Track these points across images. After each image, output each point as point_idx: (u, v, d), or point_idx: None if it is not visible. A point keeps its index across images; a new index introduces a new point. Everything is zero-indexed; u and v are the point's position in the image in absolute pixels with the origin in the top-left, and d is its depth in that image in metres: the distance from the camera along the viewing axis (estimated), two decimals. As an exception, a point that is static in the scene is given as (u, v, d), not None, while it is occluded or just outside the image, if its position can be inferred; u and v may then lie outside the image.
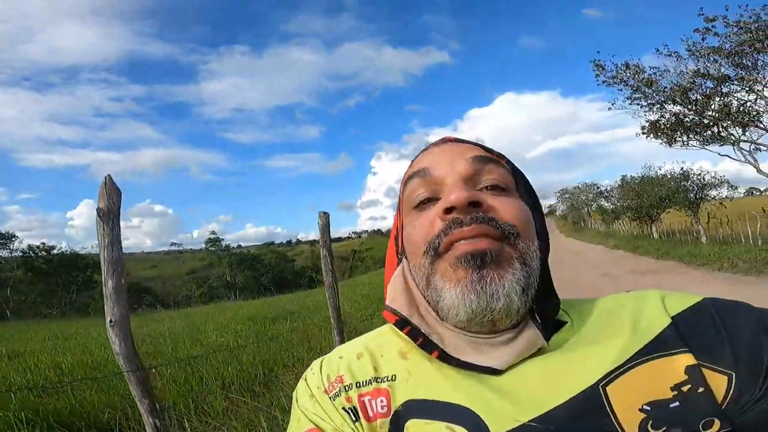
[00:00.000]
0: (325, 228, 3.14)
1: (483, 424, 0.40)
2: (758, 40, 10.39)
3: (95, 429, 2.55)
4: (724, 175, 18.51)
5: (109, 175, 1.59)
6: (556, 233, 59.02)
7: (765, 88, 11.38)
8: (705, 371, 0.40)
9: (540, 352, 0.44)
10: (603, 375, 0.40)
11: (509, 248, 0.43)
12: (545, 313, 0.46)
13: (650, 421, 0.37)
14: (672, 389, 0.38)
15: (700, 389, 0.39)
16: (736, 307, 0.45)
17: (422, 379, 0.46)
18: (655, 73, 13.45)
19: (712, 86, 12.40)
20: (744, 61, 11.20)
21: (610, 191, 35.74)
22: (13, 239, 35.04)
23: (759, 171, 12.68)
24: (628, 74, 13.79)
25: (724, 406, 0.38)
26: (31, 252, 34.36)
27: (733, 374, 0.39)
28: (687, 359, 0.40)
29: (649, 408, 0.38)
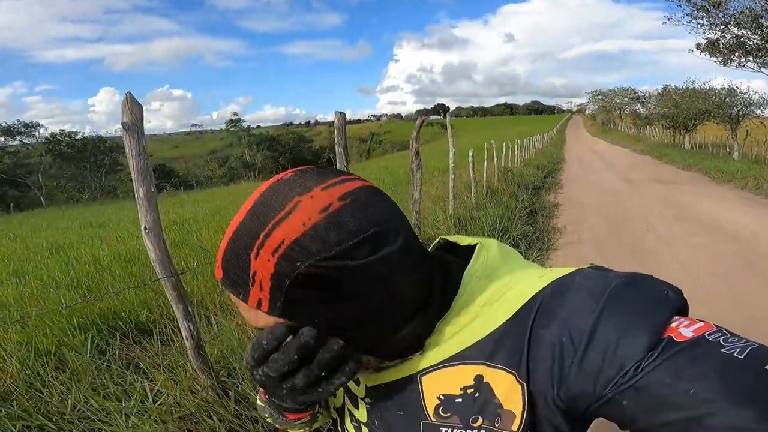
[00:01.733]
0: (341, 127, 3.21)
1: (352, 392, 0.61)
2: None
3: (136, 329, 2.86)
4: (771, 97, 17.52)
5: (129, 92, 1.67)
6: (583, 132, 57.28)
7: None
8: (500, 376, 0.47)
9: None
10: (425, 368, 0.52)
11: None
12: (407, 350, 0.52)
13: (441, 407, 0.51)
14: (460, 389, 0.49)
15: (476, 394, 0.48)
16: (558, 303, 0.45)
17: None
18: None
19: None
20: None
21: (648, 98, 34.11)
22: (38, 128, 35.72)
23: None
24: None
25: (510, 407, 0.47)
26: (55, 139, 34.99)
27: (525, 384, 0.46)
28: (480, 369, 0.49)
29: (442, 398, 0.51)
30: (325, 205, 0.40)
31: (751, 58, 13.62)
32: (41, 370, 2.30)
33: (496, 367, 0.48)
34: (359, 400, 0.60)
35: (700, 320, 0.42)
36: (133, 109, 1.62)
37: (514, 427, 0.47)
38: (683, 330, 0.40)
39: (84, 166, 34.69)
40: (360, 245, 0.40)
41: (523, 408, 0.46)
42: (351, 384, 0.61)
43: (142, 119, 1.67)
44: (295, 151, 53.03)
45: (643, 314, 0.41)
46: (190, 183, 38.50)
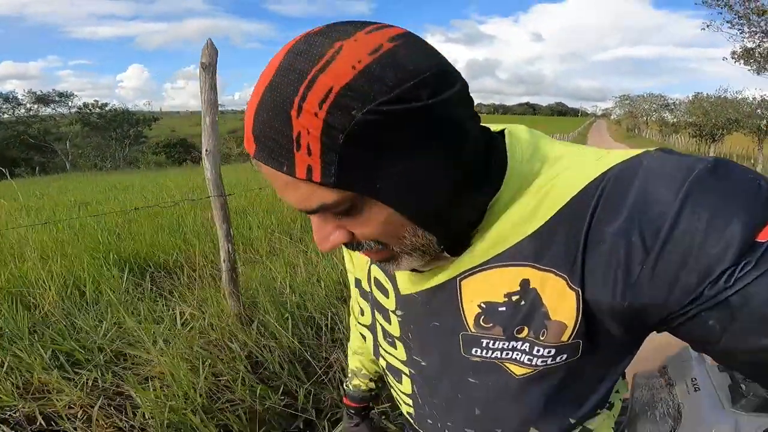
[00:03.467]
0: None
1: (382, 306, 0.58)
2: None
3: (164, 270, 3.00)
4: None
5: (210, 38, 1.91)
6: (606, 136, 56.26)
7: None
8: (550, 281, 0.41)
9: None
10: (463, 270, 0.46)
11: (388, 252, 0.43)
12: (460, 238, 0.45)
13: (483, 316, 0.45)
14: (504, 296, 0.43)
15: (522, 302, 0.43)
16: (625, 193, 0.37)
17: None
18: (770, 4, 12.48)
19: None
20: None
21: (678, 105, 33.91)
22: (72, 97, 37.22)
23: None
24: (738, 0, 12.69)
25: (562, 317, 0.41)
26: (86, 109, 36.66)
27: (579, 291, 0.40)
28: (527, 272, 0.42)
29: (484, 306, 0.45)
30: (375, 46, 0.34)
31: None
32: (78, 300, 2.44)
33: (544, 270, 0.41)
34: (390, 313, 0.56)
35: None
36: (211, 52, 1.86)
37: (564, 338, 0.42)
38: None
39: (110, 137, 35.87)
40: (421, 85, 0.34)
41: (577, 318, 0.41)
42: (380, 296, 0.57)
43: (217, 60, 1.89)
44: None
45: (736, 209, 0.33)
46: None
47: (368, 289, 0.60)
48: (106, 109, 36.92)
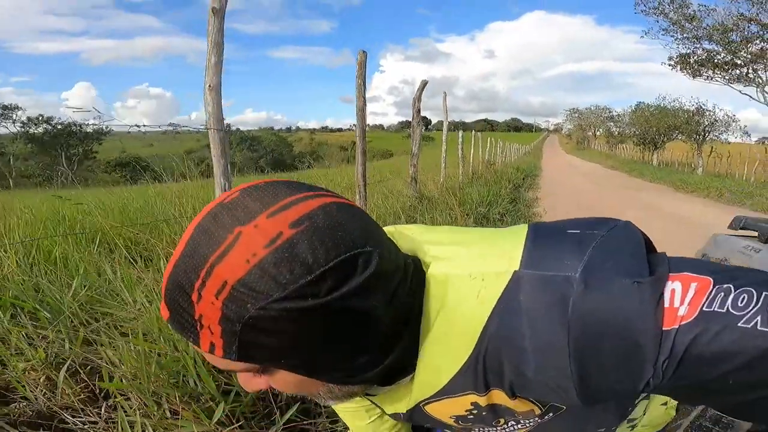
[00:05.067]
0: (363, 64, 3.38)
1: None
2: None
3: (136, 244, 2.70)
4: (735, 114, 19.17)
5: None
6: (558, 150, 59.48)
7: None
8: (495, 395, 0.45)
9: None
10: (420, 400, 0.49)
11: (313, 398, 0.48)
12: (395, 374, 0.48)
13: (459, 421, 0.51)
14: (466, 411, 0.48)
15: (484, 412, 0.47)
16: (517, 334, 0.40)
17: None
18: (701, 11, 13.77)
19: (756, 31, 12.83)
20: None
21: (622, 116, 36.34)
22: (16, 110, 35.47)
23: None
24: (671, 7, 14.10)
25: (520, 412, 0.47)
26: (31, 123, 34.77)
27: (521, 395, 0.44)
28: (473, 397, 0.46)
29: (454, 417, 0.50)
30: (273, 236, 0.34)
31: (719, 72, 14.93)
32: (44, 265, 2.20)
33: (486, 392, 0.45)
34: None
35: (685, 275, 0.37)
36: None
37: (538, 412, 0.47)
38: (681, 309, 0.35)
39: (57, 154, 34.05)
40: (320, 281, 0.34)
41: (540, 404, 0.46)
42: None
43: (226, 6, 1.87)
44: (276, 154, 52.78)
45: (628, 324, 0.36)
46: (166, 181, 38.03)
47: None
48: (53, 123, 34.98)
